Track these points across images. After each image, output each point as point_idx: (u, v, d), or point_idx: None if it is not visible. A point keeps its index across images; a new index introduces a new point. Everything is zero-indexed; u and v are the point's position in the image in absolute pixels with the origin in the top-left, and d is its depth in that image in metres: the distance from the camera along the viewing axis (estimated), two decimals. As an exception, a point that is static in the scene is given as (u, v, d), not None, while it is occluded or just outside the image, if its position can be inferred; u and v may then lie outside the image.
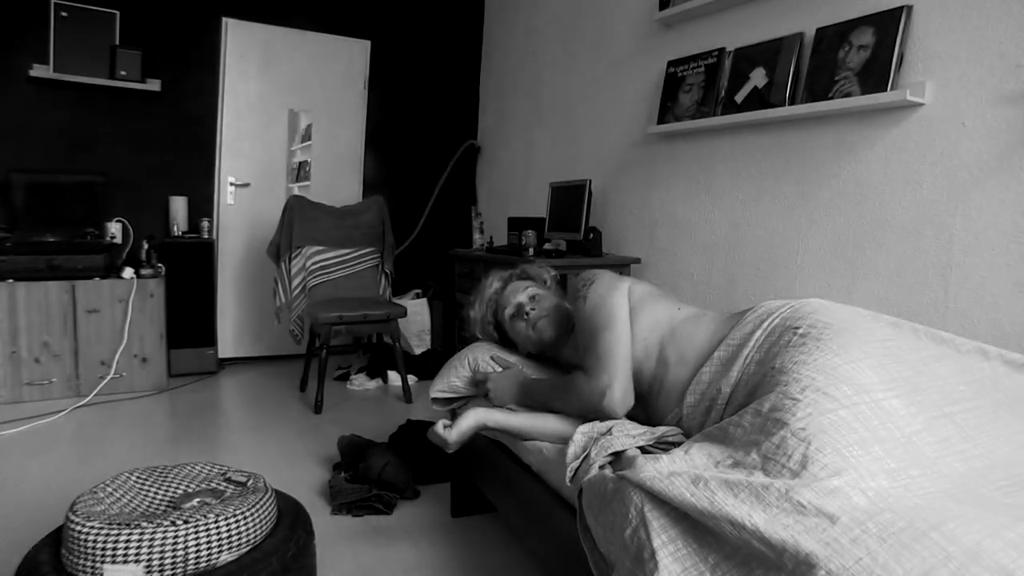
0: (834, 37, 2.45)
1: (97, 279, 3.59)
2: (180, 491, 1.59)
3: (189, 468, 1.69)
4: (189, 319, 4.09)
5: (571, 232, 3.53)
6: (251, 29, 4.45)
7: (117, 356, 3.61)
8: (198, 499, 1.52)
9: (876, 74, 2.29)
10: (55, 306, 3.48)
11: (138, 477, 1.60)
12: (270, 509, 1.53)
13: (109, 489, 1.52)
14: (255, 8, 4.45)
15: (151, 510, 1.52)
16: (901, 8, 2.24)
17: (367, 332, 3.94)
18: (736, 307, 2.94)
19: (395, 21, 4.92)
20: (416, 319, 4.50)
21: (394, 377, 3.97)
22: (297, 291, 3.87)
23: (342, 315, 3.51)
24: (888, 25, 2.27)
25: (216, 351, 4.26)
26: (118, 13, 4.00)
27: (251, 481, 1.62)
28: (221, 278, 4.48)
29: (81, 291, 3.54)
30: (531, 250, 3.46)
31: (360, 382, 3.96)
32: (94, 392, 3.52)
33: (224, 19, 4.36)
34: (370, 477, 2.37)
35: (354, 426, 3.12)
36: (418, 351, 4.45)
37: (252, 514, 1.45)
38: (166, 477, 1.63)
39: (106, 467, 2.60)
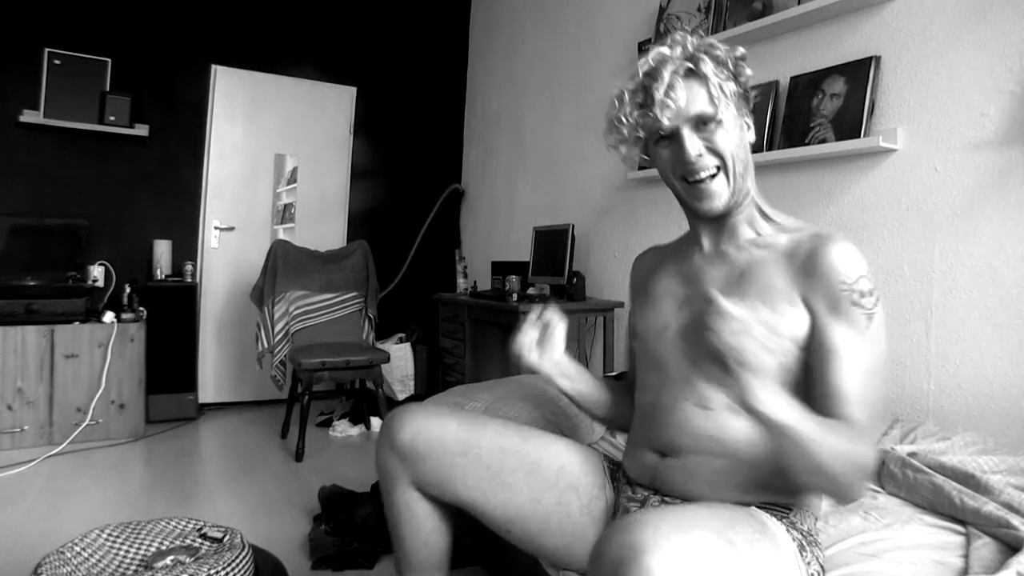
0: (808, 85, 2.50)
1: (77, 323, 3.55)
2: (153, 549, 1.55)
3: (163, 524, 1.65)
4: (170, 364, 4.04)
5: (555, 276, 3.54)
6: (239, 76, 4.49)
7: (94, 402, 3.54)
8: (171, 557, 1.49)
9: (849, 121, 2.34)
10: (32, 351, 3.43)
11: (109, 535, 1.56)
12: (246, 567, 1.49)
13: (77, 549, 1.47)
14: (244, 55, 4.49)
15: (122, 570, 1.48)
16: (870, 59, 2.30)
17: (350, 378, 3.90)
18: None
19: (381, 67, 4.98)
20: (399, 364, 4.47)
21: (377, 423, 3.92)
22: (280, 336, 3.84)
23: (325, 361, 3.48)
24: (858, 74, 2.33)
25: (196, 396, 4.20)
26: (110, 61, 4.03)
27: (227, 537, 1.58)
28: (203, 322, 4.44)
29: (60, 336, 3.49)
30: (515, 295, 3.47)
31: (342, 428, 3.92)
32: (68, 440, 3.45)
33: (213, 66, 4.40)
34: (351, 530, 2.32)
35: (336, 475, 3.07)
36: (401, 397, 4.41)
37: (227, 573, 1.41)
38: (138, 534, 1.59)
39: (77, 520, 2.53)
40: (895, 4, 2.29)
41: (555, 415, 1.93)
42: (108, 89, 4.02)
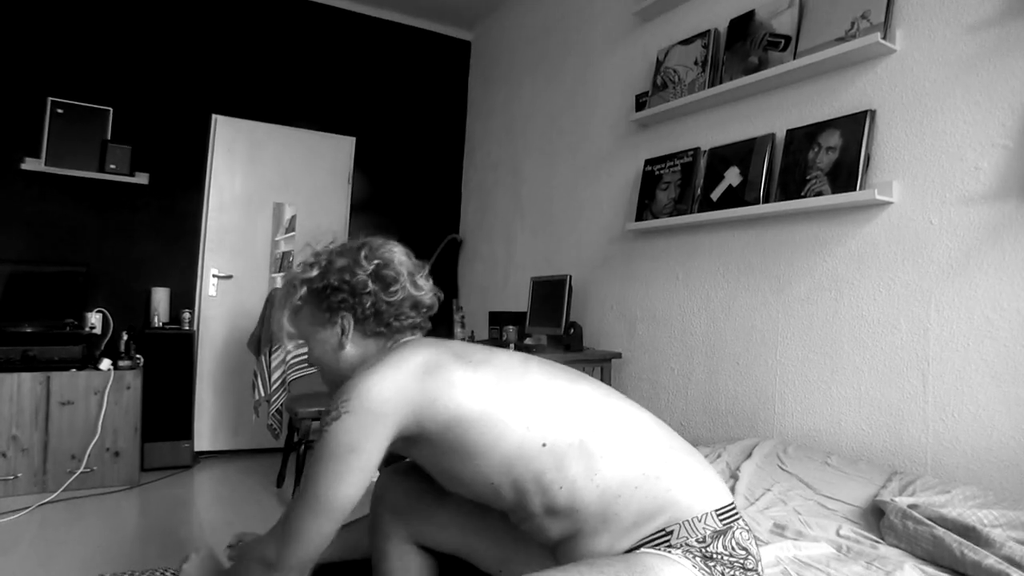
0: (803, 138, 2.54)
1: (74, 370, 3.53)
2: (144, 598, 1.53)
3: (158, 574, 1.63)
4: (166, 411, 4.01)
5: (552, 327, 3.54)
6: (239, 125, 4.55)
7: (89, 450, 3.51)
8: (163, 607, 1.46)
9: (845, 174, 2.37)
10: (27, 398, 3.41)
11: (101, 583, 1.53)
12: (238, 617, 1.47)
13: (69, 597, 1.45)
14: (244, 105, 4.57)
15: (112, 619, 1.45)
16: (865, 112, 2.34)
17: (346, 426, 3.86)
18: (716, 402, 2.94)
19: (380, 118, 5.07)
20: (397, 412, 4.43)
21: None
22: (277, 385, 3.82)
23: (322, 410, 3.46)
24: (853, 128, 2.37)
25: (192, 444, 4.16)
26: (111, 110, 4.10)
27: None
28: (200, 370, 4.42)
29: (56, 383, 3.47)
30: (512, 345, 3.47)
31: (338, 477, 3.87)
32: (62, 488, 3.40)
33: (214, 116, 4.47)
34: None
35: (330, 524, 3.03)
36: (398, 445, 4.37)
37: (218, 623, 1.39)
38: (130, 583, 1.56)
39: (69, 570, 2.49)
40: (889, 59, 2.34)
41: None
42: (109, 138, 4.07)
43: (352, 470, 1.12)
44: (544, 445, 1.13)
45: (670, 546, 1.10)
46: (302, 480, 1.16)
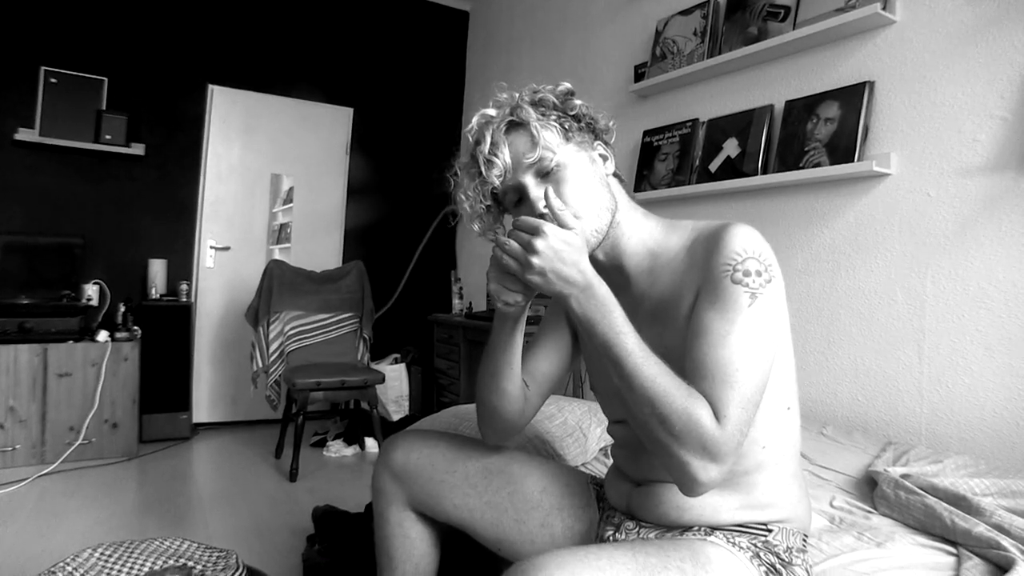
0: (802, 110, 2.53)
1: (71, 342, 3.54)
2: (146, 569, 1.54)
3: (157, 543, 1.64)
4: (164, 383, 4.02)
5: (549, 298, 3.54)
6: (235, 95, 4.51)
7: (87, 421, 3.52)
8: (163, 576, 1.48)
9: (843, 145, 2.36)
10: (24, 370, 3.41)
11: (101, 554, 1.55)
12: (237, 586, 1.49)
13: (69, 569, 1.47)
14: (241, 76, 4.52)
15: (113, 588, 1.47)
16: (864, 84, 2.33)
17: (344, 398, 3.89)
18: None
19: (378, 89, 5.02)
20: (394, 385, 4.46)
21: (371, 444, 3.91)
22: (275, 356, 3.84)
23: (320, 381, 3.47)
24: (852, 99, 2.36)
25: (190, 416, 4.18)
26: (106, 79, 4.05)
27: (222, 557, 1.58)
28: (198, 342, 4.43)
29: (53, 354, 3.47)
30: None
31: (337, 449, 3.90)
32: (60, 459, 3.42)
33: (210, 86, 4.43)
34: (344, 550, 2.31)
35: (329, 495, 3.05)
36: (396, 417, 4.40)
37: (218, 591, 1.41)
38: (132, 553, 1.58)
39: (68, 540, 2.51)
40: (889, 30, 2.32)
41: (543, 438, 1.93)
42: (104, 108, 4.03)
43: (770, 345, 1.03)
44: (789, 408, 1.14)
45: (760, 543, 1.09)
46: (721, 340, 0.99)
